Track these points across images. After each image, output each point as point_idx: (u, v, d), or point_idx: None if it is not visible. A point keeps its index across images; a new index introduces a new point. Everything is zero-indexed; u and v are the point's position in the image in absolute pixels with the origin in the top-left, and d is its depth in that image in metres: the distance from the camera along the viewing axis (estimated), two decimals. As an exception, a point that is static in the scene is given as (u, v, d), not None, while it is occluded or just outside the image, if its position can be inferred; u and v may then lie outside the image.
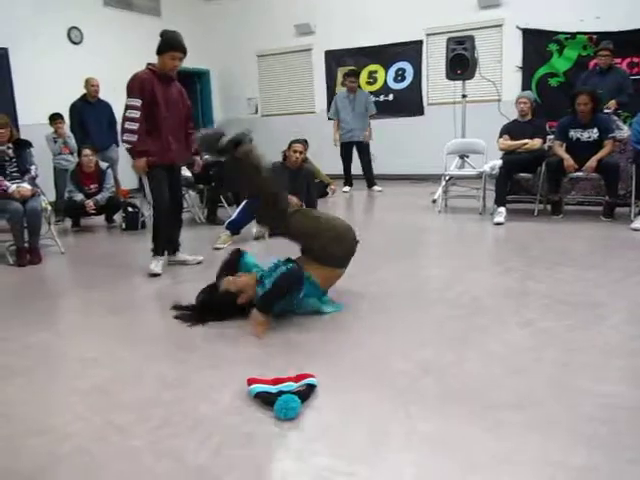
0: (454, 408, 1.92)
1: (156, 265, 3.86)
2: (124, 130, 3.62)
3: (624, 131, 5.42)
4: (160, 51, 3.69)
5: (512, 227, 5.00)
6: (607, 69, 6.03)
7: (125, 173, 7.14)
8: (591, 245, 4.38)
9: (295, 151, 5.01)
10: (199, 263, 4.12)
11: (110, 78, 7.52)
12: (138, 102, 3.59)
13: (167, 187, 3.85)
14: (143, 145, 3.65)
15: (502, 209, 5.22)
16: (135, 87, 3.62)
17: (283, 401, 1.91)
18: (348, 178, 8.00)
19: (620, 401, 1.91)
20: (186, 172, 5.64)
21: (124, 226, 5.83)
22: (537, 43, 7.82)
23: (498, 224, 5.06)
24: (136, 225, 5.77)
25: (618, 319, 2.72)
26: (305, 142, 5.32)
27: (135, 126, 3.59)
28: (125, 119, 3.61)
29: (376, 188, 7.86)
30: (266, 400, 1.96)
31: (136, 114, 3.59)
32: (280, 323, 2.77)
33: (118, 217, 6.04)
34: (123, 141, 3.67)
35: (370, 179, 7.93)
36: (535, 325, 2.66)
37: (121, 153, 7.34)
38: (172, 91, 3.85)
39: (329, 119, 8.19)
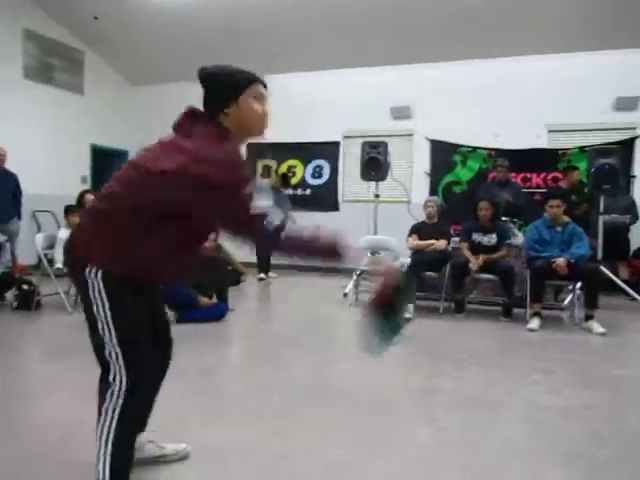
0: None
1: None
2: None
3: (518, 237, 5.90)
4: (234, 93, 1.75)
5: (419, 324, 5.13)
6: (504, 181, 6.72)
7: (24, 248, 6.73)
8: (491, 344, 4.55)
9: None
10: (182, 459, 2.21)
11: (20, 150, 7.31)
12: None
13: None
14: None
15: (410, 306, 5.38)
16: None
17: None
18: (262, 265, 8.10)
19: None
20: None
21: (15, 305, 5.37)
22: (443, 153, 8.52)
23: (406, 320, 5.18)
24: (30, 305, 5.31)
25: (515, 418, 2.79)
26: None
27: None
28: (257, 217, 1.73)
29: (271, 274, 8.25)
30: None
31: None
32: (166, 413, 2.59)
33: (10, 295, 5.58)
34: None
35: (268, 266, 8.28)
36: (439, 424, 2.67)
37: (22, 227, 6.98)
38: None
39: None
